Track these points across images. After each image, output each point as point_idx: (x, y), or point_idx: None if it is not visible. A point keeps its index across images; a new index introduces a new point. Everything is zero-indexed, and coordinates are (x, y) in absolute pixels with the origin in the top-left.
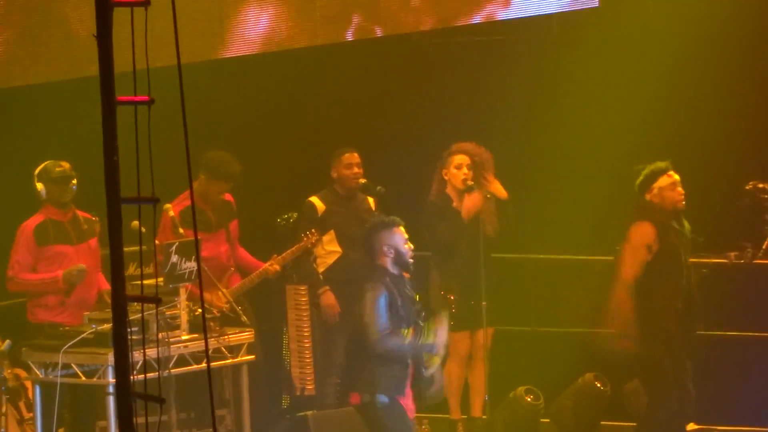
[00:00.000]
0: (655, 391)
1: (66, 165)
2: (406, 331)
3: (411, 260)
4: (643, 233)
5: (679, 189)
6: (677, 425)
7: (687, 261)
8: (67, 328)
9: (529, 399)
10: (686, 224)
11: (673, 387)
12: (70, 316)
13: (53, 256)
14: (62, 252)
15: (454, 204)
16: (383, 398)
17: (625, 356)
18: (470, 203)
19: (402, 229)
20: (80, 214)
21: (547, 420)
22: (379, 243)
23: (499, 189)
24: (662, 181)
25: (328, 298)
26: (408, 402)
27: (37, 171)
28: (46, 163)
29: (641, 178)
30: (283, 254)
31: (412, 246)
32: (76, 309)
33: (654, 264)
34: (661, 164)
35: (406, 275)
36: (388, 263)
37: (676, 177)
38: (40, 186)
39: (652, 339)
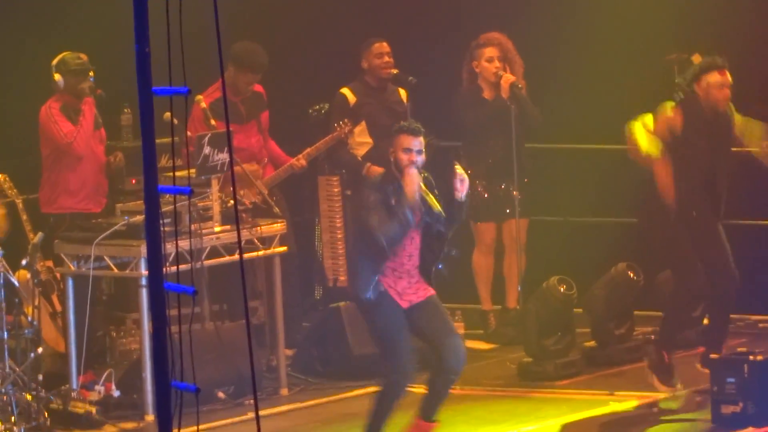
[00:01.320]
0: (678, 270)
1: (84, 57)
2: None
3: (408, 170)
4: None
5: (726, 90)
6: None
7: (722, 148)
8: (99, 220)
9: (561, 289)
10: (737, 115)
11: (695, 268)
12: (91, 203)
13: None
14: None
15: (484, 94)
16: (372, 292)
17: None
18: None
19: (405, 137)
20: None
21: (580, 310)
22: (389, 145)
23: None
24: (712, 77)
25: (374, 169)
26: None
27: (54, 62)
28: (63, 54)
29: (695, 67)
30: (314, 146)
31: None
32: (95, 194)
33: (677, 141)
34: (718, 59)
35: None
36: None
37: (729, 77)
38: (57, 77)
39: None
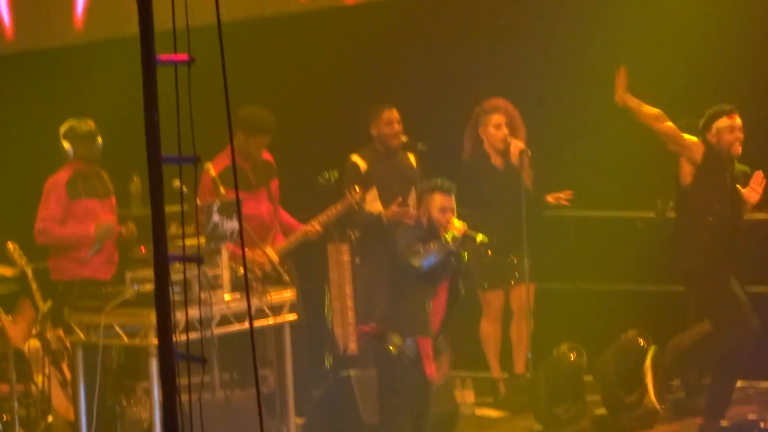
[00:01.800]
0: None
1: (91, 123)
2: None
3: (443, 229)
4: (693, 144)
5: (738, 134)
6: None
7: (735, 196)
8: (109, 289)
9: (572, 356)
10: (739, 166)
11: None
12: (100, 269)
13: (82, 210)
14: (91, 206)
15: (493, 161)
16: (407, 341)
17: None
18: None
19: (440, 196)
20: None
21: (590, 377)
22: (420, 204)
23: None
24: (722, 122)
25: (393, 209)
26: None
27: (62, 130)
28: (71, 121)
29: (704, 118)
30: (324, 213)
31: (454, 221)
32: (105, 262)
33: (697, 181)
34: (725, 106)
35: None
36: (423, 222)
37: (738, 121)
38: (67, 144)
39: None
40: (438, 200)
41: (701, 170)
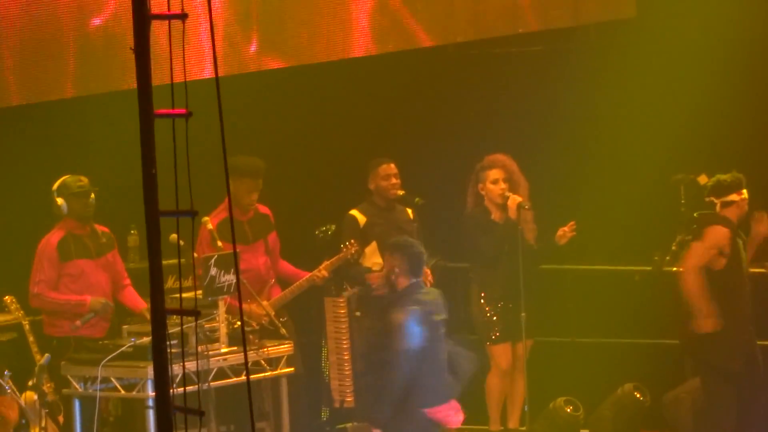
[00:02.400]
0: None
1: (84, 179)
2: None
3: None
4: (719, 236)
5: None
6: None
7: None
8: (105, 342)
9: (568, 410)
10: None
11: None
12: (94, 328)
13: (75, 271)
14: (83, 267)
15: (493, 216)
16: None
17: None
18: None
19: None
20: (97, 227)
21: (587, 431)
22: (400, 263)
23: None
24: (742, 194)
25: (374, 276)
26: (449, 412)
27: (55, 186)
28: (64, 177)
29: (719, 185)
30: (329, 261)
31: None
32: (97, 320)
33: (726, 270)
34: (739, 176)
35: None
36: (402, 281)
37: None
38: (60, 201)
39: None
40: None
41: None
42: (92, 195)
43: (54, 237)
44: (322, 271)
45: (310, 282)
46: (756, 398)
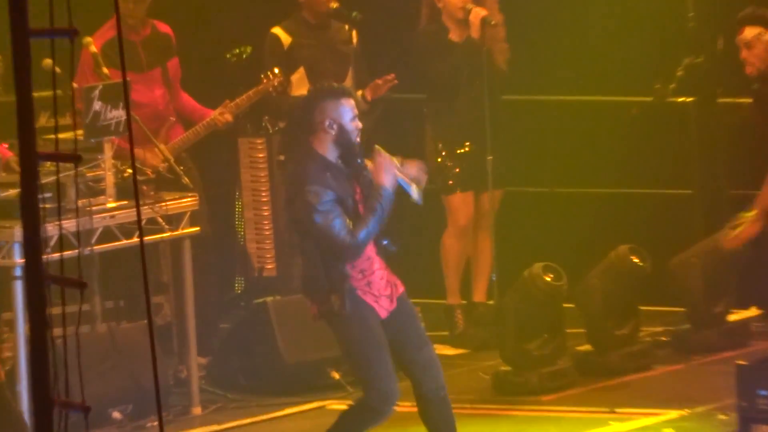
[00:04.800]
0: None
1: None
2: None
3: (357, 141)
4: None
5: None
6: None
7: None
8: None
9: (547, 279)
10: None
11: None
12: None
13: None
14: None
15: (451, 35)
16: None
17: None
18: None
19: (352, 102)
20: None
21: (571, 305)
22: (320, 115)
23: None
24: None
25: (376, 84)
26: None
27: None
28: None
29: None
30: (237, 100)
31: (360, 125)
32: None
33: None
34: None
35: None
36: (327, 142)
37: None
38: None
39: None
40: (345, 106)
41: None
42: None
43: None
44: (225, 113)
45: (209, 127)
46: None
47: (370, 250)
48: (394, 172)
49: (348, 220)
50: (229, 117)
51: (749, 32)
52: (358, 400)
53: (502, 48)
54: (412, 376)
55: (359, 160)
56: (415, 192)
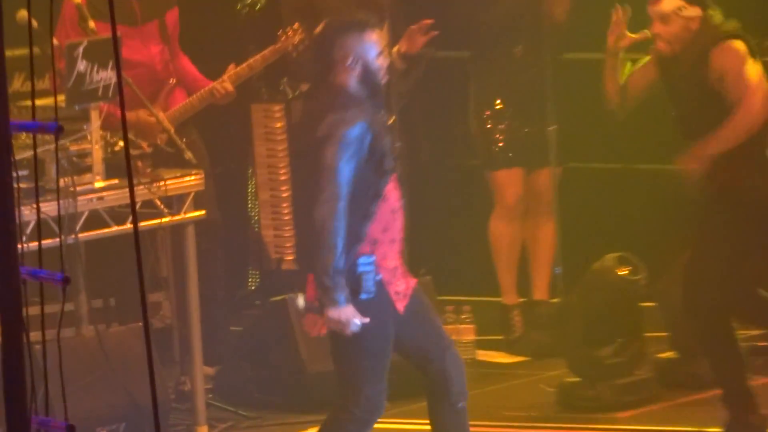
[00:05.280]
0: None
1: None
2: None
3: (383, 81)
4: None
5: None
6: None
7: None
8: None
9: (623, 272)
10: None
11: None
12: None
13: None
14: None
15: None
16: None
17: None
18: None
19: (377, 36)
20: None
21: (652, 304)
22: (340, 51)
23: None
24: None
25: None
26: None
27: None
28: None
29: None
30: (246, 63)
31: (386, 62)
32: None
33: None
34: None
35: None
36: (350, 81)
37: None
38: None
39: None
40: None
41: None
42: None
43: None
44: (225, 83)
45: (205, 99)
46: None
47: (395, 197)
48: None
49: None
50: (229, 86)
51: (667, 4)
52: (338, 407)
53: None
54: (438, 375)
55: (382, 109)
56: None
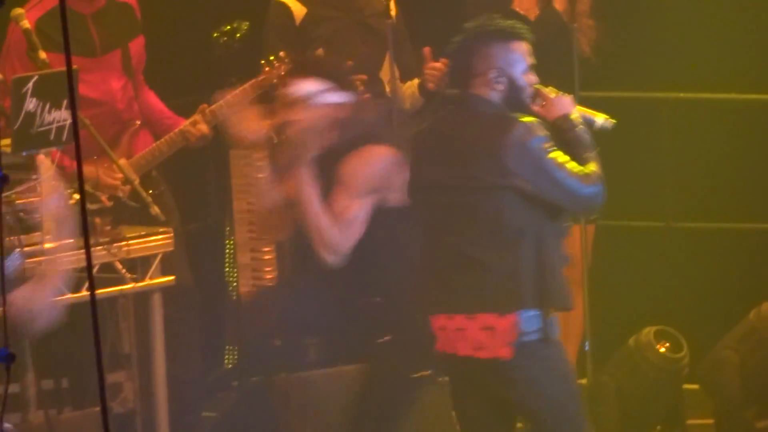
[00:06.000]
0: None
1: None
2: None
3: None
4: None
5: None
6: None
7: None
8: None
9: (662, 349)
10: None
11: None
12: None
13: None
14: None
15: (515, 4)
16: None
17: None
18: None
19: (526, 47)
20: None
21: (695, 386)
22: (483, 63)
23: None
24: None
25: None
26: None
27: None
28: None
29: None
30: (225, 99)
31: (534, 80)
32: None
33: None
34: None
35: None
36: (491, 98)
37: None
38: None
39: None
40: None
41: None
42: None
43: None
44: (199, 123)
45: (175, 142)
46: None
47: None
48: (572, 106)
49: None
50: (204, 128)
51: None
52: None
53: (586, 26)
54: None
55: None
56: (599, 119)
